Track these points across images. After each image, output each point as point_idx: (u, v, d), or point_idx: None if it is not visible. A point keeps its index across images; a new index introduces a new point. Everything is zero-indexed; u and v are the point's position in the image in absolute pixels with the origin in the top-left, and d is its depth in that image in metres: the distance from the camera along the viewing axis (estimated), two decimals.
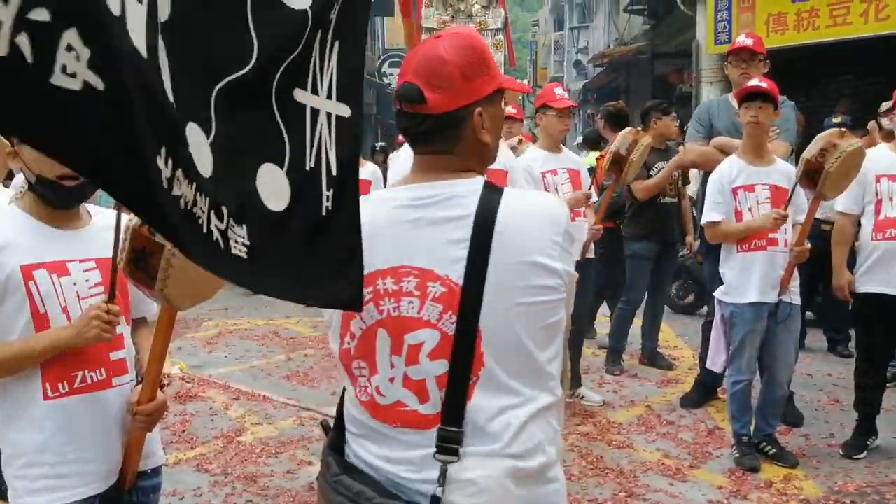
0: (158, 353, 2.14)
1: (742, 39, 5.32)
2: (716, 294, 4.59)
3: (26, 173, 2.19)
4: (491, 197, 1.69)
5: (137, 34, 1.17)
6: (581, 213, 5.20)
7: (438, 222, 1.68)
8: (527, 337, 1.67)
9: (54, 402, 2.15)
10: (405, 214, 1.71)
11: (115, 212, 2.43)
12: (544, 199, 1.85)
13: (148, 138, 1.18)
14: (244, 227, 1.47)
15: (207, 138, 1.39)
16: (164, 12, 1.29)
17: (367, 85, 26.28)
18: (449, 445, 1.62)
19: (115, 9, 1.11)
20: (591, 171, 6.84)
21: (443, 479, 1.61)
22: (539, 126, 5.44)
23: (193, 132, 1.35)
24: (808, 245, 4.33)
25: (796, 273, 4.43)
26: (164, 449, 2.56)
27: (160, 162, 1.21)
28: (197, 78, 1.37)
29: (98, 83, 1.07)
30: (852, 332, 6.58)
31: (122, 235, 2.01)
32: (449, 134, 1.72)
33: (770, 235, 4.34)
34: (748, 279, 4.37)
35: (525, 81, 36.01)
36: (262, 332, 8.20)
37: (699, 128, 5.39)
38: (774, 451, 4.56)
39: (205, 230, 1.37)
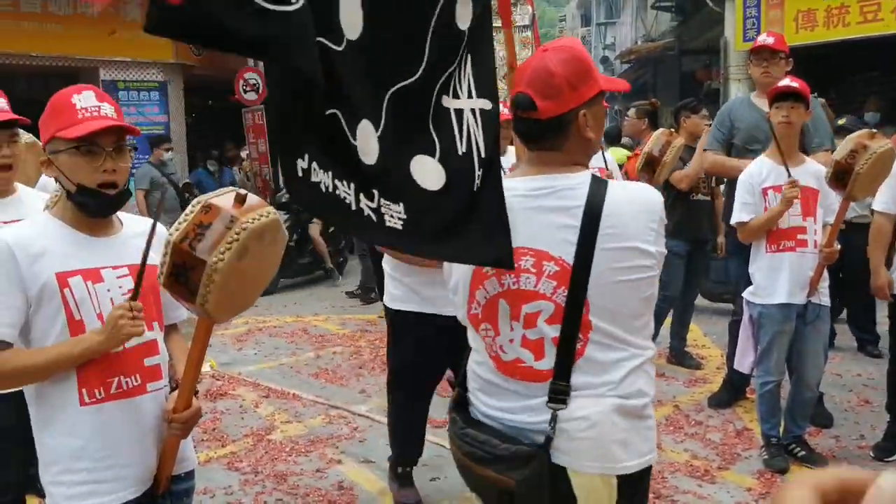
0: (195, 362, 2.17)
1: (763, 38, 5.29)
2: (744, 294, 4.57)
3: (64, 182, 2.21)
4: (598, 189, 1.98)
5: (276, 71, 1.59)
6: None
7: (553, 210, 1.99)
8: (627, 307, 2.01)
9: (91, 408, 2.17)
10: (523, 203, 2.01)
11: (145, 219, 2.47)
12: (643, 189, 2.12)
13: (291, 145, 1.63)
14: (400, 204, 1.79)
15: (376, 132, 1.72)
16: (354, 32, 1.64)
17: None
18: (558, 396, 1.98)
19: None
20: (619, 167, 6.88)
21: (553, 423, 1.97)
22: None
23: (365, 127, 1.69)
24: (837, 246, 4.31)
25: (826, 274, 4.40)
26: (195, 447, 2.58)
27: (302, 162, 1.66)
28: (375, 84, 1.70)
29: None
30: (881, 332, 6.57)
31: (161, 250, 2.05)
32: (558, 134, 2.02)
33: (799, 236, 4.31)
34: (777, 280, 4.35)
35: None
36: (291, 330, 8.26)
37: (718, 134, 5.39)
38: (804, 452, 4.54)
39: (353, 207, 1.74)
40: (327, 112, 1.61)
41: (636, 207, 2.01)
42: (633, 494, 2.08)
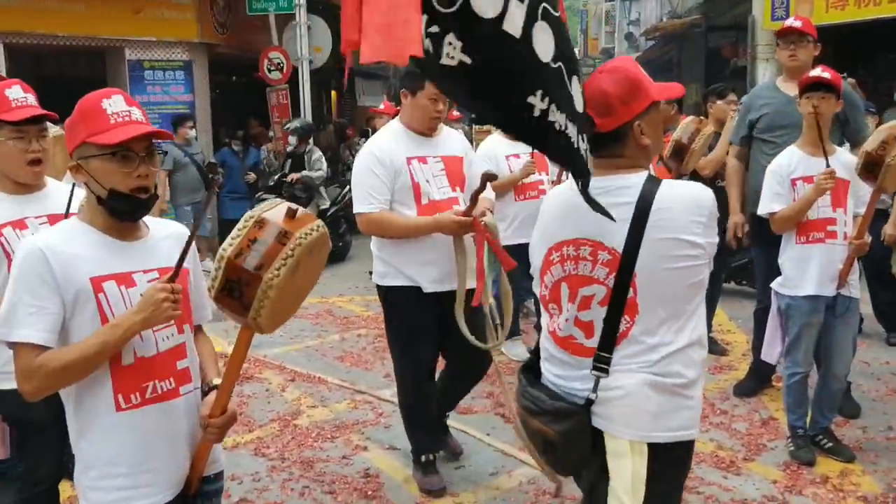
0: (233, 370, 2.20)
1: (790, 21, 5.24)
2: (772, 286, 4.53)
3: (94, 187, 2.19)
4: (650, 187, 2.24)
5: (513, 24, 1.81)
6: None
7: (610, 206, 2.18)
8: (674, 292, 2.25)
9: (127, 414, 2.19)
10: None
11: (170, 222, 2.48)
12: (693, 186, 2.35)
13: (516, 85, 1.88)
14: (587, 142, 2.14)
15: (580, 85, 2.06)
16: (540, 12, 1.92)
17: None
18: (601, 365, 2.27)
19: (488, 13, 1.77)
20: None
21: (595, 387, 2.27)
22: None
23: (574, 82, 2.02)
24: (868, 238, 4.26)
25: (856, 266, 4.36)
26: None
27: (534, 99, 1.89)
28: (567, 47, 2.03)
29: (467, 60, 1.75)
30: None
31: (215, 265, 2.09)
32: (617, 144, 2.30)
33: (829, 228, 4.26)
34: (805, 271, 4.31)
35: (576, 49, 35.57)
36: (316, 311, 8.30)
37: (737, 128, 5.49)
38: (831, 444, 4.52)
39: (575, 146, 2.04)
40: (556, 65, 1.95)
41: (684, 203, 2.24)
42: (667, 465, 2.30)
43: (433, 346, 4.25)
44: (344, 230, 10.90)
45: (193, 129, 10.36)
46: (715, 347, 6.53)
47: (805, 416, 4.54)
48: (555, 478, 4.10)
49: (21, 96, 3.07)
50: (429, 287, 4.02)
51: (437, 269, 4.00)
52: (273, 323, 2.12)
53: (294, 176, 10.28)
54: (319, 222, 2.17)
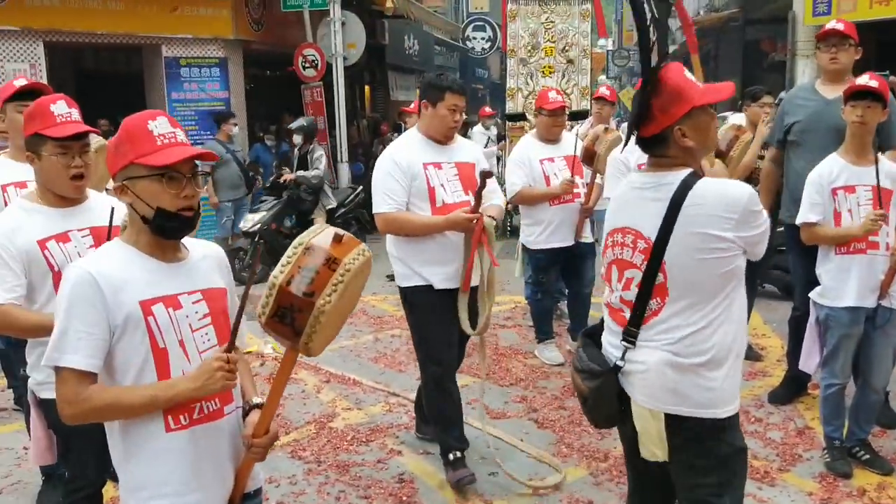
0: (278, 390, 2.26)
1: (832, 24, 5.18)
2: (811, 296, 4.49)
3: (140, 207, 2.21)
4: (686, 184, 2.46)
5: None
6: None
7: (653, 200, 2.52)
8: (706, 280, 2.47)
9: (176, 434, 2.22)
10: (636, 194, 2.62)
11: (205, 242, 2.51)
12: (729, 184, 2.57)
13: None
14: None
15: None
16: None
17: (450, 50, 26.04)
18: (629, 338, 2.58)
19: None
20: None
21: (622, 356, 2.60)
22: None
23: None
24: None
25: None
26: None
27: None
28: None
29: None
30: None
31: (266, 292, 2.14)
32: (660, 146, 2.57)
33: (870, 238, 4.21)
34: (845, 282, 4.27)
35: (610, 40, 35.39)
36: None
37: (774, 130, 5.49)
38: (868, 456, 4.47)
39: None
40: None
41: (716, 199, 2.44)
42: (687, 439, 2.54)
43: (451, 345, 4.42)
44: (354, 231, 10.82)
45: (236, 127, 10.49)
46: (749, 352, 6.45)
47: (842, 427, 4.50)
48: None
49: (65, 112, 3.11)
50: (440, 284, 4.26)
51: (449, 268, 4.25)
52: (322, 346, 2.20)
53: (288, 176, 10.03)
54: (364, 246, 2.25)
